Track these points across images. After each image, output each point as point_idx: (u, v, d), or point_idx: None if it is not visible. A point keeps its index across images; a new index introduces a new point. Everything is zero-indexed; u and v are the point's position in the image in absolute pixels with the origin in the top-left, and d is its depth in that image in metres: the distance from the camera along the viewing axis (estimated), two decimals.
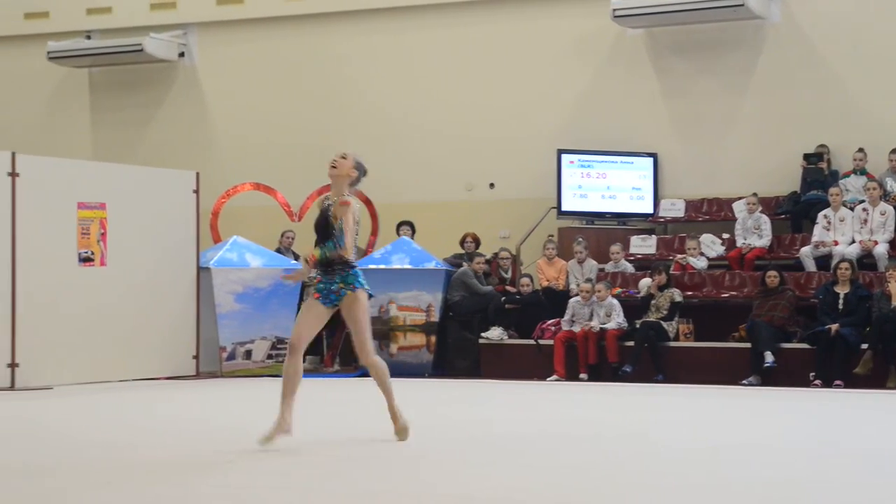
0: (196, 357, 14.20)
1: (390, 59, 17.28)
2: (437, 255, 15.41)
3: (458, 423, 9.71)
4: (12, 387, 12.45)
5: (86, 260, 13.31)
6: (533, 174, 16.42)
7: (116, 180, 13.78)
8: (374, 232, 16.30)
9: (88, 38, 18.38)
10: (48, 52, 18.07)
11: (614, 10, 15.80)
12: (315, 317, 7.81)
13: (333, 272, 7.73)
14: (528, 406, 11.31)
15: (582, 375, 14.09)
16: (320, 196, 8.03)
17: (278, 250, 15.76)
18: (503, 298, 15.03)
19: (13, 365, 12.53)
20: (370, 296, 7.86)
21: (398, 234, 15.90)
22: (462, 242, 15.93)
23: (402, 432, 7.96)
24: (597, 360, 14.10)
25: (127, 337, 13.52)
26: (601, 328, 14.14)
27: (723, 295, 14.65)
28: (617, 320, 14.21)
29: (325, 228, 7.78)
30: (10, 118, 18.66)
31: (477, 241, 15.92)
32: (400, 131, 17.10)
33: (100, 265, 13.39)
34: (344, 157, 7.87)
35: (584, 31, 16.52)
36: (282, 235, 16.09)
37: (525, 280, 15.16)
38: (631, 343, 14.02)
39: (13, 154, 12.86)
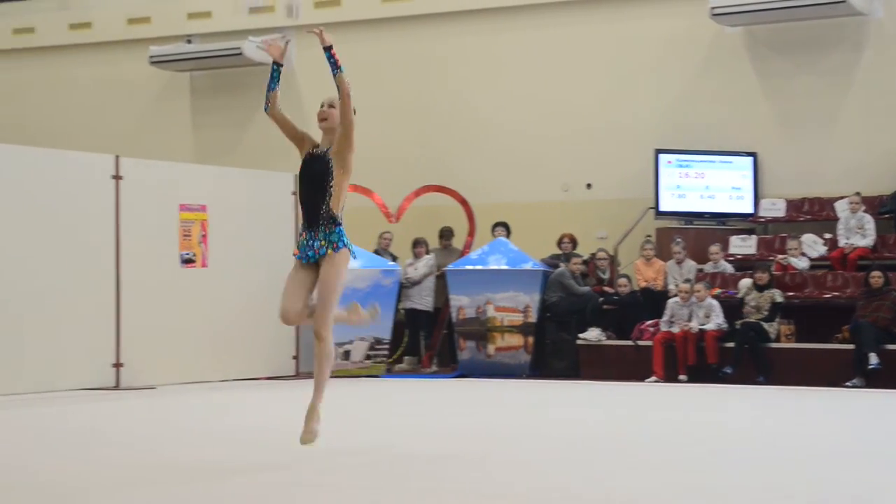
0: (296, 357, 14.33)
1: (486, 60, 17.28)
2: (533, 256, 15.37)
3: (559, 423, 9.68)
4: (117, 386, 12.66)
5: (187, 261, 13.49)
6: (630, 174, 16.32)
7: (217, 182, 13.96)
8: (471, 232, 16.31)
9: (189, 42, 18.62)
10: (150, 57, 18.34)
11: (712, 8, 15.64)
12: (298, 283, 7.21)
13: (318, 228, 7.13)
14: (628, 406, 11.24)
15: (681, 377, 13.97)
16: (309, 146, 7.40)
17: (376, 251, 15.84)
18: (601, 299, 14.96)
19: (118, 365, 12.74)
20: (353, 257, 7.28)
21: (493, 234, 15.90)
22: (559, 243, 15.88)
23: (308, 435, 7.13)
24: (696, 362, 13.97)
25: (228, 337, 13.68)
26: (700, 329, 14.01)
27: (825, 295, 14.43)
28: (716, 321, 14.07)
29: (322, 178, 7.19)
30: (114, 122, 18.98)
31: (574, 242, 15.86)
32: (496, 132, 17.09)
33: (201, 266, 13.56)
34: (332, 107, 7.30)
35: (681, 29, 16.37)
36: (379, 236, 16.16)
37: (623, 280, 15.07)
38: (731, 344, 13.87)
39: (117, 157, 13.08)
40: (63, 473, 6.90)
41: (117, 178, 12.93)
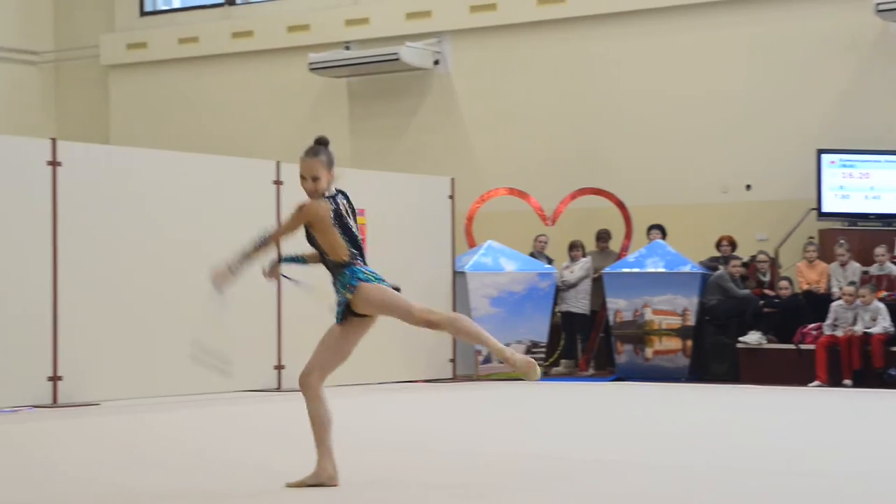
0: (453, 360, 14.41)
1: (642, 61, 17.12)
2: (691, 259, 15.18)
3: (722, 428, 9.54)
4: (279, 388, 12.89)
5: None
6: (791, 175, 15.99)
7: (374, 187, 14.11)
8: (628, 235, 16.19)
9: (347, 48, 18.87)
10: (309, 64, 18.62)
11: (877, 3, 15.24)
12: (327, 340, 6.77)
13: (336, 281, 6.61)
14: (795, 412, 11.03)
15: (846, 381, 13.65)
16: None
17: (532, 254, 15.84)
18: (761, 302, 14.70)
19: (279, 367, 12.97)
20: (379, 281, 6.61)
21: (648, 237, 15.75)
22: (718, 245, 15.65)
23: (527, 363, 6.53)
24: (861, 366, 13.63)
25: (387, 340, 13.76)
26: (865, 332, 13.66)
27: None
28: (883, 324, 13.70)
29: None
30: (274, 128, 19.33)
31: (733, 244, 15.61)
32: (653, 133, 16.92)
33: None
34: (317, 179, 6.54)
35: (845, 26, 15.98)
36: (535, 239, 16.15)
37: (784, 283, 14.78)
38: None
39: (277, 163, 13.32)
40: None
41: (278, 183, 13.17)
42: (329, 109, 19.27)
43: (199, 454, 8.14)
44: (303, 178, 6.56)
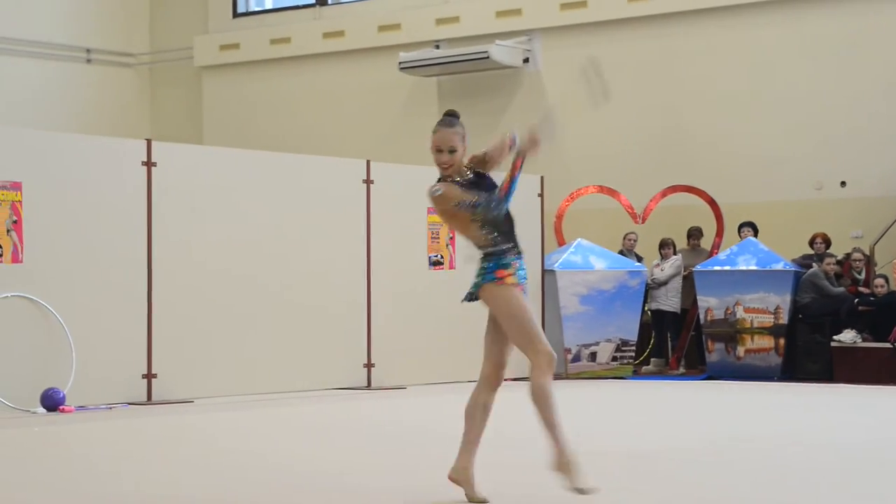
0: None
1: (735, 56, 16.95)
2: (784, 256, 15.01)
3: (815, 429, 9.43)
4: (368, 386, 12.99)
5: (435, 264, 13.73)
6: (887, 171, 15.74)
7: None
8: (719, 233, 16.04)
9: (437, 47, 18.92)
10: (399, 63, 18.70)
11: None
12: (491, 332, 6.18)
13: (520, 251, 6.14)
14: (888, 412, 10.86)
15: None
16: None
17: (621, 252, 15.76)
18: (856, 300, 14.48)
19: (369, 365, 13.07)
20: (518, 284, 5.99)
21: (739, 235, 15.59)
22: (811, 243, 15.44)
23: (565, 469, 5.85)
24: None
25: (474, 339, 13.74)
26: None
27: None
28: None
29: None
30: (365, 127, 19.46)
31: (827, 242, 15.40)
32: (745, 130, 16.74)
33: (449, 268, 13.78)
34: (453, 152, 6.04)
35: None
36: (624, 237, 16.07)
37: (879, 281, 14.55)
38: None
39: (368, 162, 13.42)
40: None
41: (368, 182, 13.26)
42: (419, 108, 19.33)
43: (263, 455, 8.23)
44: (438, 150, 6.05)
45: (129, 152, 11.64)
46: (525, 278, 6.05)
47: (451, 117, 6.16)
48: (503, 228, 6.04)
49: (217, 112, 20.83)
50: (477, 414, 6.14)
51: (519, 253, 6.06)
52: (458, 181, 6.05)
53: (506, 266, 5.98)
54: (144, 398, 11.39)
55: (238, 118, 20.47)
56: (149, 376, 11.43)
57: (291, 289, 12.49)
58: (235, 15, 21.11)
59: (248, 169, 12.45)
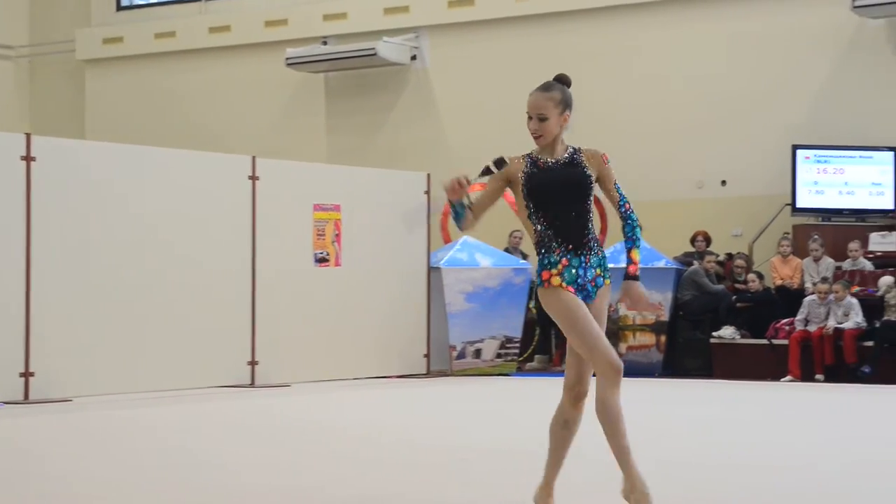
0: (427, 356, 14.43)
1: (619, 56, 17.16)
2: (666, 254, 15.23)
3: (692, 423, 9.59)
4: (252, 384, 12.89)
5: (321, 260, 13.68)
6: (766, 171, 16.06)
7: (350, 182, 14.12)
8: (603, 230, 16.21)
9: (325, 43, 18.85)
10: (286, 59, 18.61)
11: (854, 0, 15.30)
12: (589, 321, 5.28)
13: (589, 250, 5.35)
14: (765, 407, 11.09)
15: (818, 376, 13.72)
16: (524, 166, 5.44)
17: (507, 249, 15.86)
18: (734, 297, 14.77)
19: (253, 363, 12.97)
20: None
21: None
22: (692, 241, 15.71)
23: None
24: (833, 361, 13.71)
25: (360, 336, 13.84)
26: (838, 328, 13.73)
27: None
28: (855, 320, 13.78)
29: (580, 189, 5.38)
30: (250, 123, 19.32)
31: (708, 240, 15.67)
32: (629, 129, 16.95)
33: (334, 265, 13.74)
34: (544, 119, 5.37)
35: (821, 22, 16.04)
36: (510, 235, 16.18)
37: (752, 277, 14.85)
38: (870, 343, 13.57)
39: (253, 158, 13.31)
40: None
41: (253, 178, 13.16)
42: (306, 105, 19.27)
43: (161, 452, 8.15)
44: (529, 116, 5.40)
45: (8, 146, 11.38)
46: (580, 279, 5.27)
47: (554, 81, 5.42)
48: (558, 222, 5.27)
49: (100, 106, 20.52)
50: (557, 431, 5.42)
51: (576, 250, 5.27)
52: (545, 161, 5.37)
53: (552, 265, 5.27)
54: (21, 397, 11.16)
55: (121, 113, 20.18)
56: (26, 374, 11.21)
57: (175, 286, 12.34)
58: (119, 8, 20.84)
59: (131, 164, 12.26)
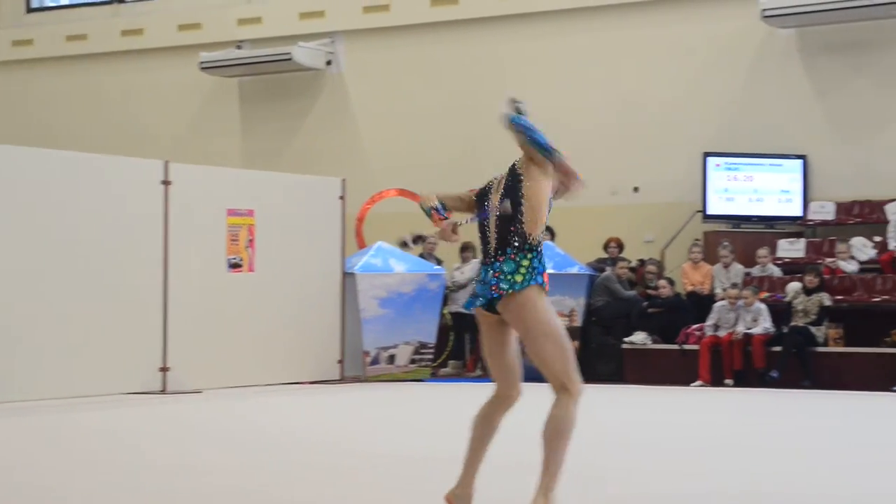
0: (341, 362, 14.39)
1: (535, 63, 17.25)
2: (579, 260, 15.35)
3: (601, 428, 9.67)
4: (163, 390, 12.77)
5: (234, 266, 13.59)
6: (678, 178, 16.24)
7: (264, 187, 14.05)
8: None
9: (239, 48, 18.76)
10: (200, 63, 18.48)
11: (763, 10, 15.54)
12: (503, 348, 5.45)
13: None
14: (674, 411, 11.21)
15: (727, 381, 13.90)
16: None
17: (421, 255, 15.88)
18: (646, 303, 14.92)
19: (164, 369, 12.85)
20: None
21: None
22: (605, 247, 15.84)
23: None
24: (743, 366, 13.90)
25: (274, 342, 13.77)
26: (747, 333, 13.93)
27: (874, 299, 14.29)
28: (764, 325, 13.98)
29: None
30: (163, 128, 19.16)
31: (620, 246, 15.82)
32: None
33: (248, 271, 13.65)
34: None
35: (732, 32, 16.27)
36: (425, 241, 16.17)
37: (662, 282, 15.01)
38: (778, 348, 13.79)
39: (166, 163, 13.18)
40: (117, 473, 6.98)
41: (166, 183, 13.03)
42: (220, 109, 19.16)
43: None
44: None
45: None
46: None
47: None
48: (483, 238, 5.42)
49: (8, 109, 20.20)
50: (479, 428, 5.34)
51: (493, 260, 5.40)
52: None
53: (544, 269, 5.28)
54: None
55: (31, 116, 19.90)
56: None
57: (85, 291, 12.18)
58: (29, 10, 20.56)
59: (41, 168, 12.08)
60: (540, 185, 5.38)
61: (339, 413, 11.32)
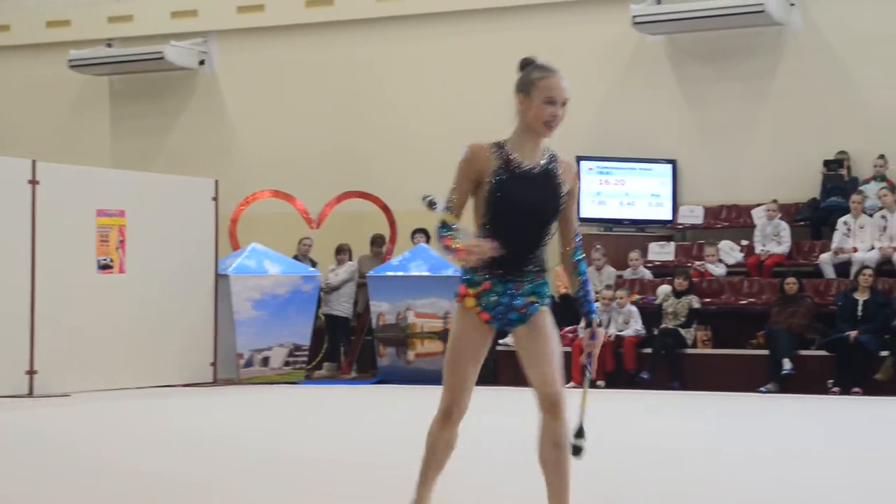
0: (214, 364, 14.24)
1: (410, 66, 17.30)
2: (454, 263, 15.38)
3: (475, 430, 9.70)
4: (30, 394, 12.50)
5: (104, 267, 13.37)
6: None
7: (135, 188, 13.85)
8: (392, 239, 16.32)
9: (109, 46, 18.47)
10: (69, 61, 18.16)
11: (634, 17, 15.77)
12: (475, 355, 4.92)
13: (522, 276, 4.82)
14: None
15: (599, 382, 14.05)
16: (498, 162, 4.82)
17: (296, 257, 15.80)
18: None
19: (31, 372, 12.57)
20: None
21: (413, 241, 15.90)
22: None
23: None
24: (614, 367, 14.08)
25: (145, 344, 13.57)
26: (618, 335, 14.12)
27: (741, 302, 14.60)
28: (635, 327, 14.19)
29: (548, 216, 4.82)
30: (31, 126, 18.77)
31: None
32: (418, 138, 17.10)
33: (118, 272, 13.44)
34: (564, 104, 4.98)
35: (603, 38, 16.49)
36: (299, 242, 16.12)
37: None
38: (649, 350, 14.00)
39: (34, 162, 12.92)
40: None
41: (34, 182, 12.77)
42: (89, 108, 18.84)
43: None
44: (550, 101, 4.80)
45: None
46: (502, 306, 4.84)
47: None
48: (502, 241, 4.69)
49: None
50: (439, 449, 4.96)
51: (506, 276, 4.80)
52: (519, 164, 4.75)
53: (472, 284, 4.82)
54: None
55: None
56: None
57: None
58: None
59: None
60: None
61: (212, 416, 11.18)
